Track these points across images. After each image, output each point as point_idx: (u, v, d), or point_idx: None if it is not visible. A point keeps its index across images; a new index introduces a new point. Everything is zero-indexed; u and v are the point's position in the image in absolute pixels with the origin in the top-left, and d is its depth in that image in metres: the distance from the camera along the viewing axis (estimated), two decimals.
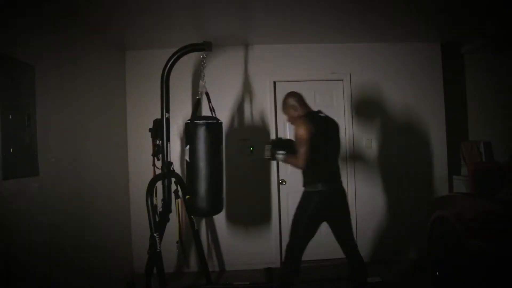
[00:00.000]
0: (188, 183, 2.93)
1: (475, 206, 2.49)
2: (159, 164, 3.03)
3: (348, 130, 3.95)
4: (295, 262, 2.57)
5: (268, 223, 3.91)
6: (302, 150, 2.49)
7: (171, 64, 2.97)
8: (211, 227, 3.92)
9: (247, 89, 3.92)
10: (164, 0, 2.72)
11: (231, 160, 3.83)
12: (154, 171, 3.04)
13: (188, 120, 2.93)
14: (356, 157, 3.96)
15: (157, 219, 2.86)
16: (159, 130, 3.01)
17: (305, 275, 3.48)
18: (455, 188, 4.08)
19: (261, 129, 3.91)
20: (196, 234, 3.29)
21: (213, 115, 3.00)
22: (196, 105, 3.09)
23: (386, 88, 3.99)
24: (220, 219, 3.85)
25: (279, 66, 3.97)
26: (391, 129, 3.99)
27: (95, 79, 3.22)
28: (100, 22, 3.11)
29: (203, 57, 3.08)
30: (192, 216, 3.18)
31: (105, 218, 3.28)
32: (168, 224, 2.98)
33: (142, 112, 3.78)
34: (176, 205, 3.05)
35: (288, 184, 3.94)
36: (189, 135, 2.90)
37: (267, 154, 2.81)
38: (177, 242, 3.12)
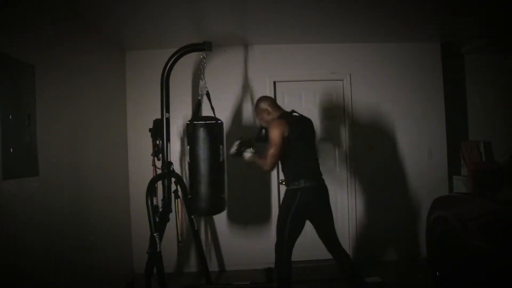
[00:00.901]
0: (189, 183, 2.93)
1: (475, 206, 2.48)
2: (159, 164, 3.03)
3: (348, 130, 3.95)
4: (286, 261, 2.56)
5: (268, 223, 3.91)
6: (271, 152, 2.53)
7: (171, 64, 2.97)
8: (211, 227, 3.93)
9: (247, 89, 3.92)
10: (164, 0, 2.72)
11: (231, 160, 3.82)
12: (154, 171, 3.05)
13: (189, 121, 2.94)
14: (356, 156, 3.96)
15: (157, 219, 2.86)
16: (159, 130, 3.02)
17: (304, 275, 3.52)
18: (455, 188, 4.08)
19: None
20: (196, 234, 3.29)
21: (214, 115, 3.00)
22: (197, 106, 3.09)
23: (386, 88, 3.99)
24: (220, 219, 3.85)
25: (279, 66, 3.97)
26: (391, 129, 3.98)
27: (95, 79, 3.22)
28: (100, 22, 3.12)
29: (203, 57, 3.09)
30: (192, 216, 3.18)
31: (105, 218, 3.27)
32: (168, 224, 2.99)
33: (142, 112, 3.78)
34: (176, 205, 3.05)
35: None
36: (190, 136, 2.91)
37: (232, 150, 2.80)
38: (179, 243, 3.13)
